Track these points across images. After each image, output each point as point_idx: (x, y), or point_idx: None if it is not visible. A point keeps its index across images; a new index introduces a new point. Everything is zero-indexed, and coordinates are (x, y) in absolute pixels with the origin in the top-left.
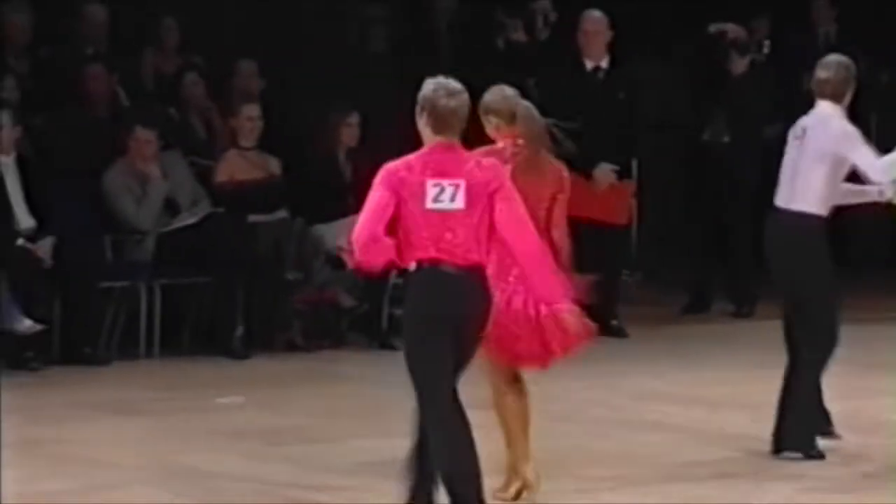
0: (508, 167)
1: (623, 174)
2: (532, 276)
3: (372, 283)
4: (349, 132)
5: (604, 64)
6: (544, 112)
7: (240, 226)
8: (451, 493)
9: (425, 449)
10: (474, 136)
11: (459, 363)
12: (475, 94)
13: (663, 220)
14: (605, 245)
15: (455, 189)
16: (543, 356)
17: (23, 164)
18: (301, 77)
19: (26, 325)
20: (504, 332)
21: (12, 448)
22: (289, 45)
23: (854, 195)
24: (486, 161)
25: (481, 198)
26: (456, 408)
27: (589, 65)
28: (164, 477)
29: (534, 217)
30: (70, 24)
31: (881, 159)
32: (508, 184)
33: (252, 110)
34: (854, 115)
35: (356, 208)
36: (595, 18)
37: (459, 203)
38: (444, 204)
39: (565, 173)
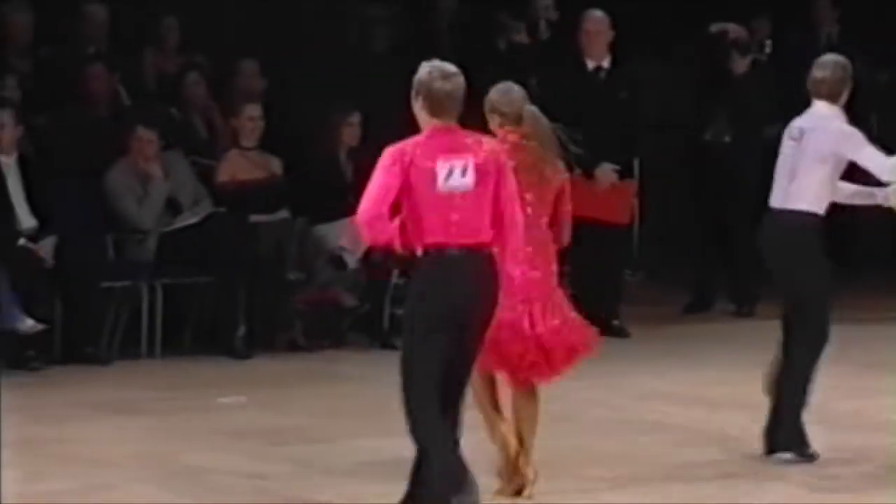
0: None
1: (624, 174)
2: (507, 247)
3: (373, 284)
4: (350, 132)
5: (605, 64)
6: (546, 112)
7: (241, 226)
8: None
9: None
10: (472, 124)
11: (465, 353)
12: (476, 94)
13: (665, 219)
14: (606, 245)
15: (464, 167)
16: (547, 371)
17: (24, 164)
18: (302, 77)
19: (28, 324)
20: (506, 349)
21: (13, 448)
22: (290, 44)
23: (860, 196)
24: (484, 138)
25: (489, 174)
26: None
27: (590, 64)
28: (166, 477)
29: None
30: (71, 23)
31: (889, 159)
32: (505, 158)
33: (254, 110)
34: (854, 116)
35: (357, 208)
36: (597, 18)
37: (469, 180)
38: (456, 182)
39: (566, 175)
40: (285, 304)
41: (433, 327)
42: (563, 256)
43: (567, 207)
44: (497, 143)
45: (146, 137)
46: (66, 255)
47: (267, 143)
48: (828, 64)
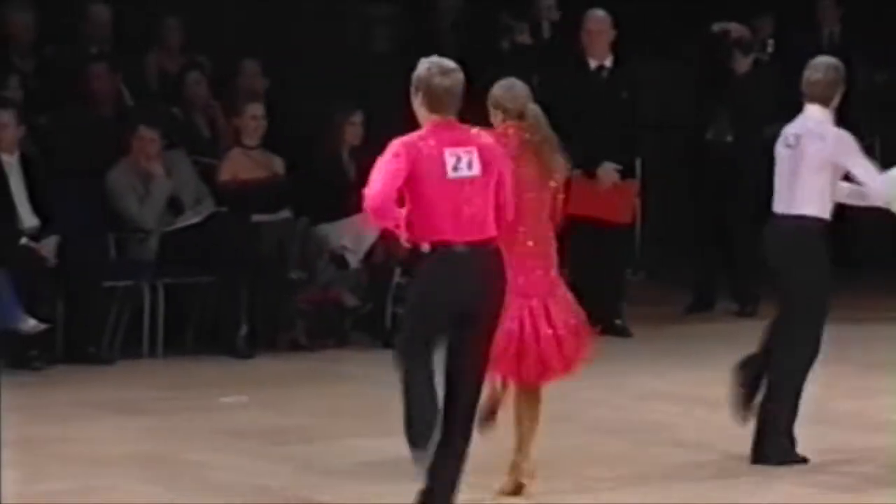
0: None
1: (626, 173)
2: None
3: (376, 283)
4: (353, 131)
5: (607, 63)
6: (548, 111)
7: (243, 225)
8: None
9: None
10: (473, 124)
11: (475, 352)
12: (478, 94)
13: (666, 219)
14: (608, 244)
15: (471, 156)
16: (545, 374)
17: (26, 164)
18: (303, 77)
19: (30, 324)
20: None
21: (15, 447)
22: (291, 45)
23: (854, 197)
24: (482, 132)
25: (492, 163)
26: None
27: (592, 64)
28: (167, 476)
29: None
30: (74, 23)
31: (884, 175)
32: (503, 151)
33: (256, 109)
34: (853, 117)
35: (360, 208)
36: (599, 18)
37: (476, 169)
38: (463, 171)
39: (567, 171)
40: (287, 304)
41: (437, 321)
42: (565, 257)
43: (561, 196)
44: (496, 137)
45: (148, 136)
46: (68, 254)
47: (269, 143)
48: (821, 66)
